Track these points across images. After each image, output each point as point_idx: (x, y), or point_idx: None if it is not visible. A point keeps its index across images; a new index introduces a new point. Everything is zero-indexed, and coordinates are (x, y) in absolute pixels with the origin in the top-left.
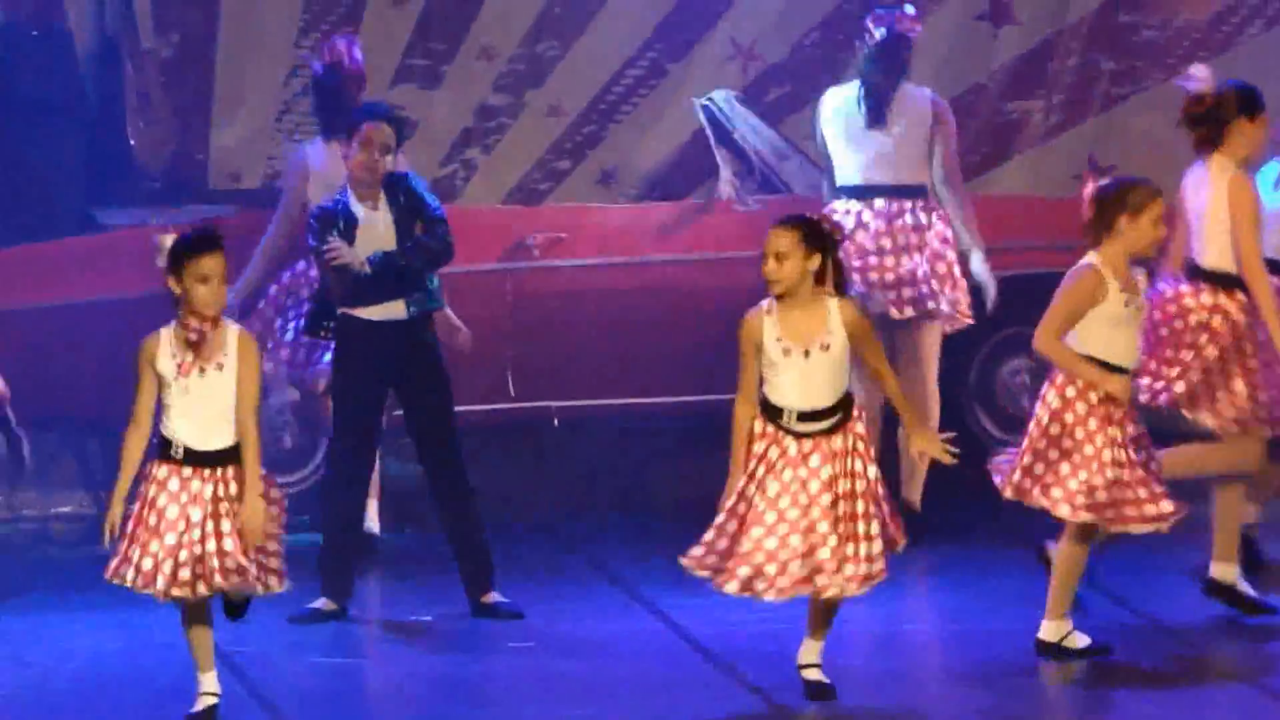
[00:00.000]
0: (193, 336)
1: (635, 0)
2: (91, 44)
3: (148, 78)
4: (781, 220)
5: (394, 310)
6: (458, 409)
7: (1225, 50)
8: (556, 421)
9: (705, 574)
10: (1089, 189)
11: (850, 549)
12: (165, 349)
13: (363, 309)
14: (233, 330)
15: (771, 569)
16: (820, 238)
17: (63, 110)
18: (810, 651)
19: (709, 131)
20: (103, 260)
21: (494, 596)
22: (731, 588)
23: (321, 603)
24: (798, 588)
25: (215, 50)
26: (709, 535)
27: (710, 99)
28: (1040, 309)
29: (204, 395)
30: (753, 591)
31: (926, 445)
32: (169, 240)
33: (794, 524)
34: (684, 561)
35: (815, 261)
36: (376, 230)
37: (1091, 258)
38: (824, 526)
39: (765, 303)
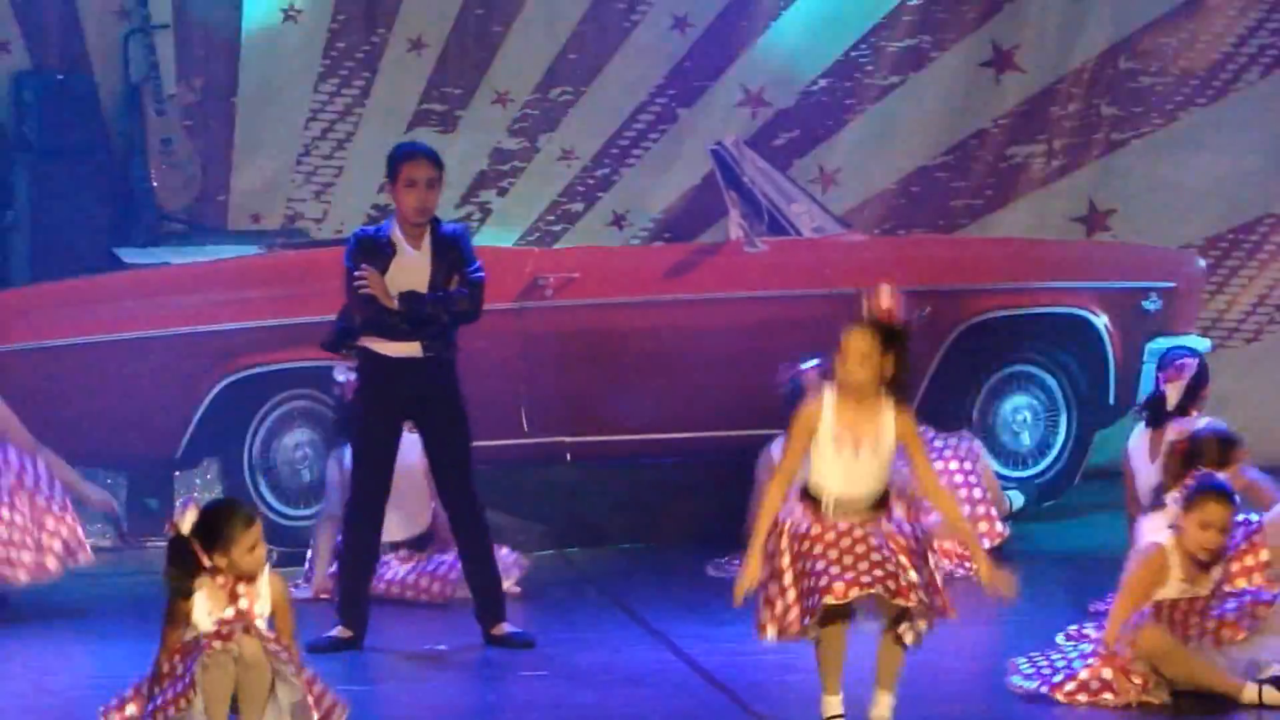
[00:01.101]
0: (239, 604)
1: (647, 47)
2: (116, 89)
3: (170, 122)
4: (860, 322)
5: (411, 349)
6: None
7: (1223, 96)
8: (569, 456)
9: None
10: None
11: (914, 576)
12: (203, 607)
13: (381, 344)
14: (264, 573)
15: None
16: (893, 338)
17: (88, 154)
18: (881, 704)
19: (719, 175)
20: (126, 298)
21: (505, 627)
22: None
23: (337, 630)
24: (865, 589)
25: (236, 94)
26: (777, 608)
27: (720, 143)
28: (1038, 347)
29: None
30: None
31: (998, 581)
32: (191, 514)
33: (850, 550)
34: (767, 638)
35: (889, 363)
36: (413, 269)
37: (1165, 536)
38: (877, 556)
39: (826, 391)
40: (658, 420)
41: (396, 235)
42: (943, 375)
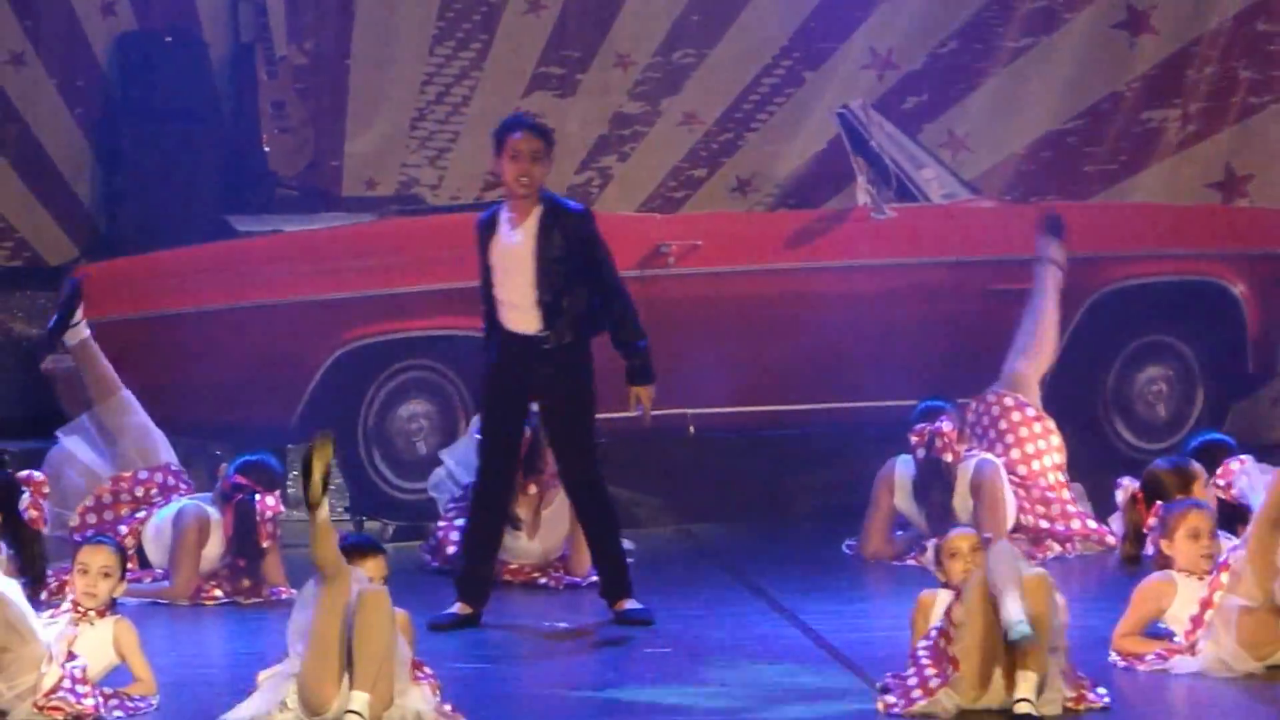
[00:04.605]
0: None
1: (772, 8)
2: (226, 51)
3: (282, 85)
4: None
5: (533, 327)
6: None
7: None
8: (692, 429)
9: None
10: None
11: None
12: None
13: (508, 319)
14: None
15: None
16: None
17: (197, 118)
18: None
19: (845, 139)
20: (238, 267)
21: (627, 604)
22: None
23: (457, 607)
24: None
25: (350, 57)
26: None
27: (847, 107)
28: (1173, 316)
29: None
30: None
31: None
32: None
33: None
34: None
35: None
36: (511, 252)
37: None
38: None
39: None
40: (782, 391)
41: (501, 215)
42: (1076, 346)
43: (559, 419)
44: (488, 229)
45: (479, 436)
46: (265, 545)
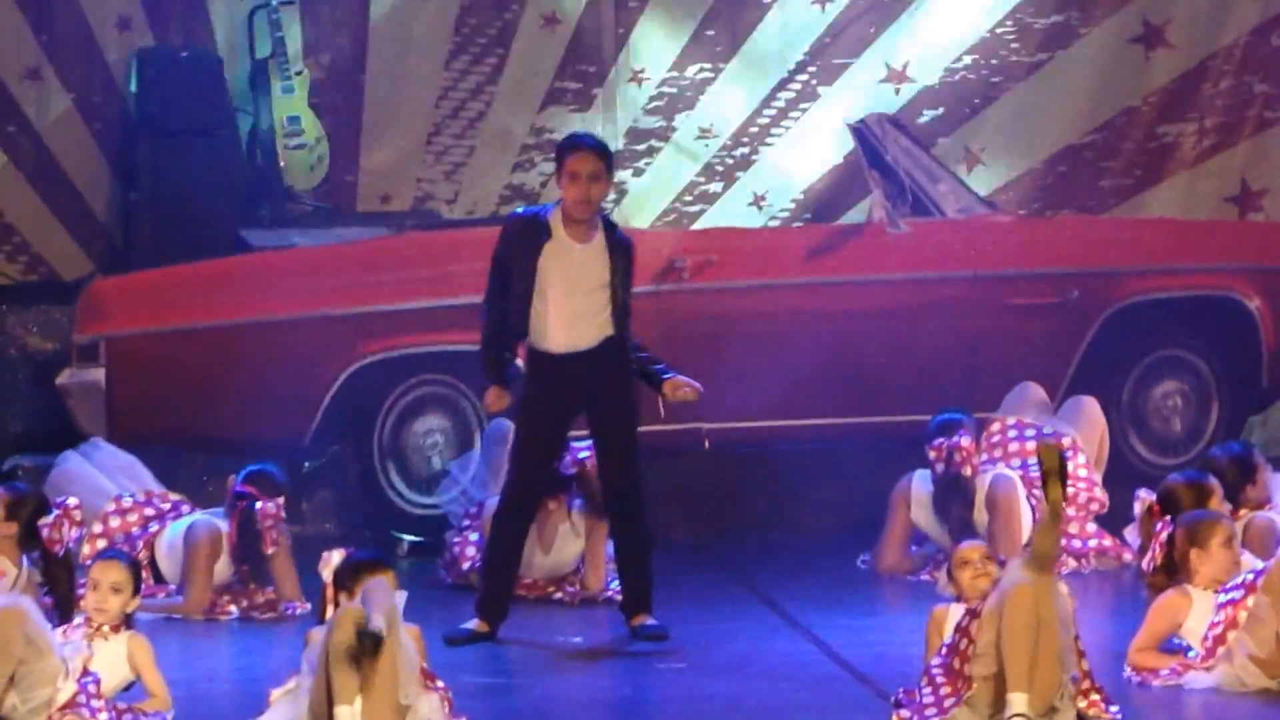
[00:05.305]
0: None
1: (787, 23)
2: (241, 66)
3: (297, 100)
4: None
5: (576, 344)
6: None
7: None
8: (707, 443)
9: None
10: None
11: None
12: None
13: (544, 341)
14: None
15: None
16: None
17: (213, 133)
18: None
19: (861, 154)
20: (253, 282)
21: (644, 619)
22: None
23: (474, 623)
24: None
25: (365, 72)
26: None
27: (862, 121)
28: (1188, 330)
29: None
30: None
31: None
32: (337, 557)
33: None
34: None
35: None
36: (581, 264)
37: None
38: None
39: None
40: (797, 405)
41: (557, 222)
42: (1091, 360)
43: (611, 426)
44: (541, 232)
45: (511, 453)
46: (270, 551)
